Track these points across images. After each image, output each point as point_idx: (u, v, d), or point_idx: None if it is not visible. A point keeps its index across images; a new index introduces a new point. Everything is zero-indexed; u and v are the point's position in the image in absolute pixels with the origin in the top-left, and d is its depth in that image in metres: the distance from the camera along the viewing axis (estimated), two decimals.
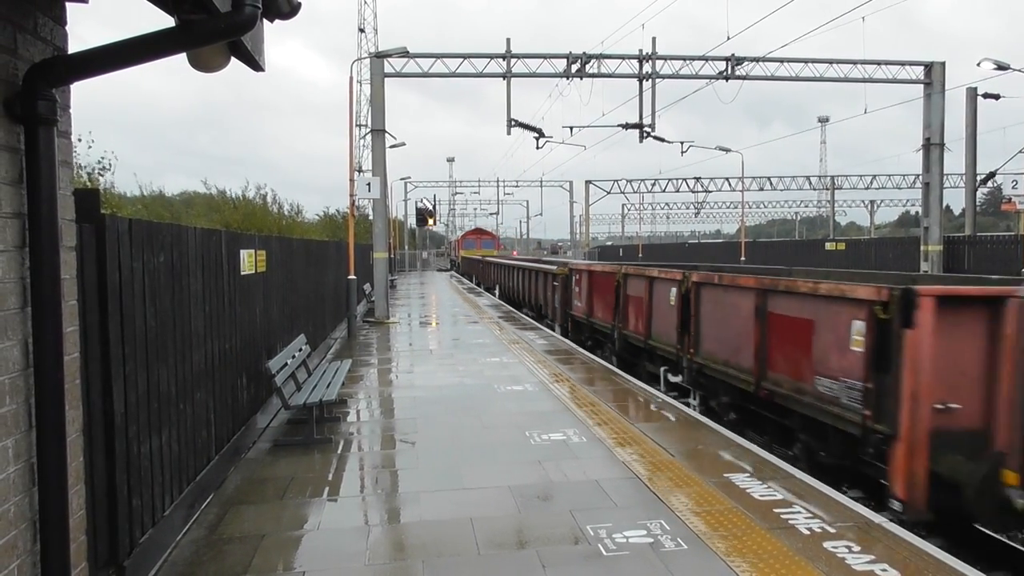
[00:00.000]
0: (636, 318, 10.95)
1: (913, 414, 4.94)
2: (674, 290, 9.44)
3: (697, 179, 59.21)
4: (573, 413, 8.02)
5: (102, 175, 14.25)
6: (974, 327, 4.96)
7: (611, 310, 12.22)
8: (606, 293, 12.54)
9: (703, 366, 8.50)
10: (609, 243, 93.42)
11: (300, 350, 8.59)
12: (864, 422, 5.42)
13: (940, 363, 4.93)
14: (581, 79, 21.85)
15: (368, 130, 20.83)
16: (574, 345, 13.98)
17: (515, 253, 56.63)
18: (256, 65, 3.27)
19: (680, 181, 59.36)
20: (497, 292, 26.56)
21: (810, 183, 63.02)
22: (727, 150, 33.54)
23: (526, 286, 21.47)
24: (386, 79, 19.20)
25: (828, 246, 27.72)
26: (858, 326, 5.48)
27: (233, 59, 3.16)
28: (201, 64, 3.02)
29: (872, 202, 73.05)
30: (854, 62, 22.53)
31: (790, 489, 5.45)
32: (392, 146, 22.63)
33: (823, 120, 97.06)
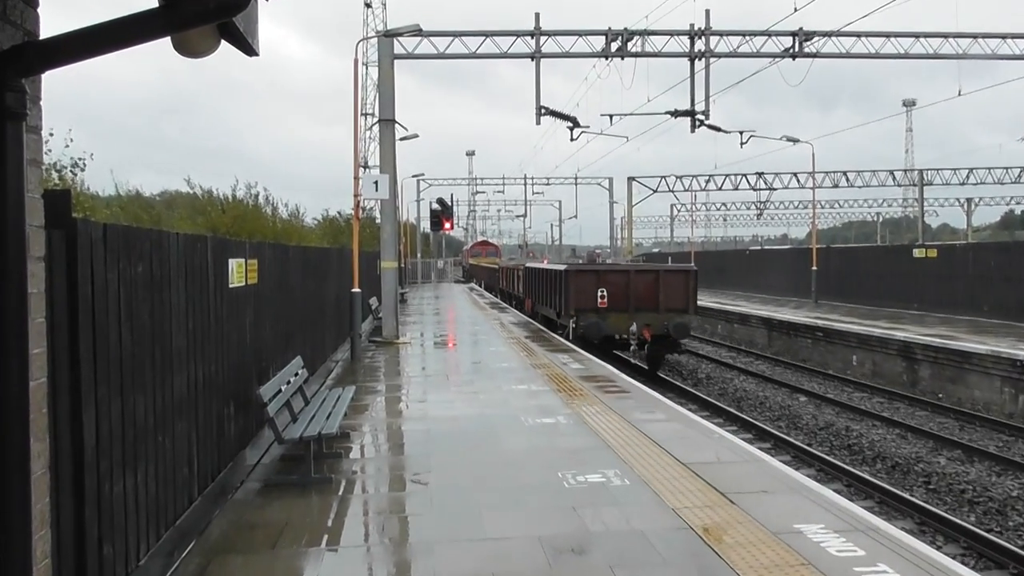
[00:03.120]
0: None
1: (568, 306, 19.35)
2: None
3: (759, 175, 58.84)
4: (614, 451, 7.98)
5: (74, 174, 14.55)
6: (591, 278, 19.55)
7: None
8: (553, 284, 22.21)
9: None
10: (656, 250, 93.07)
11: (296, 374, 8.66)
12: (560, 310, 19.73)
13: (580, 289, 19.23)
14: (622, 59, 21.87)
15: (375, 120, 21.01)
16: (614, 370, 13.92)
17: (545, 261, 57.33)
18: (250, 49, 3.33)
19: (739, 177, 59.05)
20: (508, 297, 29.77)
21: (894, 178, 62.21)
22: (795, 140, 33.28)
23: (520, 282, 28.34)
24: (396, 61, 19.42)
25: (917, 253, 27.31)
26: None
27: (223, 43, 3.22)
28: (187, 48, 3.08)
29: (968, 200, 71.95)
30: (945, 35, 22.28)
31: (880, 553, 5.36)
32: (403, 138, 22.84)
33: (909, 104, 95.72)
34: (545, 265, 27.22)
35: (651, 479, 6.96)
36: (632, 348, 18.89)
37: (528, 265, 29.99)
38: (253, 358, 7.92)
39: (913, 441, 13.00)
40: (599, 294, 19.17)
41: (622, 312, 18.94)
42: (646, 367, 19.42)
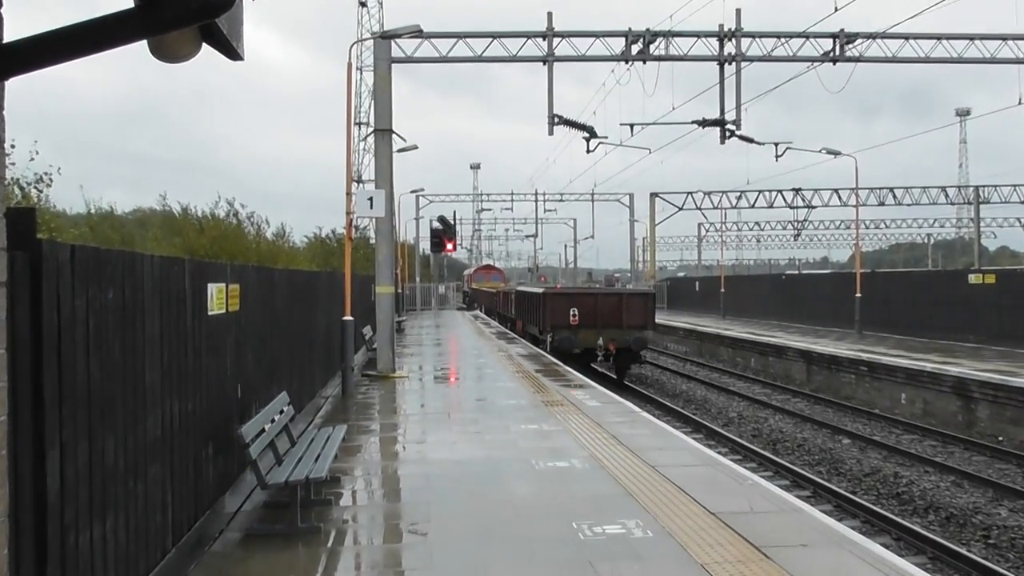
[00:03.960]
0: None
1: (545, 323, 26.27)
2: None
3: (796, 191, 58.99)
4: (635, 498, 7.93)
5: (39, 190, 14.71)
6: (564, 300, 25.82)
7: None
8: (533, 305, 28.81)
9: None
10: (681, 274, 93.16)
11: (282, 412, 8.67)
12: (540, 327, 26.37)
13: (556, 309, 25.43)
14: (644, 63, 22.04)
15: (370, 130, 21.19)
16: (635, 408, 13.89)
17: (559, 287, 58.04)
18: (233, 52, 3.37)
19: (774, 194, 59.19)
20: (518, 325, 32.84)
21: (946, 195, 62.20)
22: (836, 153, 33.34)
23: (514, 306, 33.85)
24: (393, 65, 19.60)
25: (973, 278, 27.19)
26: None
27: (205, 46, 3.26)
28: (166, 52, 3.12)
29: None
30: (1003, 37, 22.39)
31: None
32: (401, 150, 22.99)
33: (963, 113, 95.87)
34: (528, 288, 36.11)
35: (677, 530, 6.91)
36: (599, 358, 24.65)
37: (518, 289, 38.20)
38: (234, 394, 7.92)
39: (970, 490, 12.87)
40: (571, 313, 25.11)
41: (591, 328, 24.72)
42: (615, 376, 25.09)
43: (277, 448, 7.98)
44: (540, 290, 28.96)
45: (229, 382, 7.76)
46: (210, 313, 7.03)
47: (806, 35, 22.01)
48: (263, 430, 7.56)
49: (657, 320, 35.62)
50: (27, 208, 4.58)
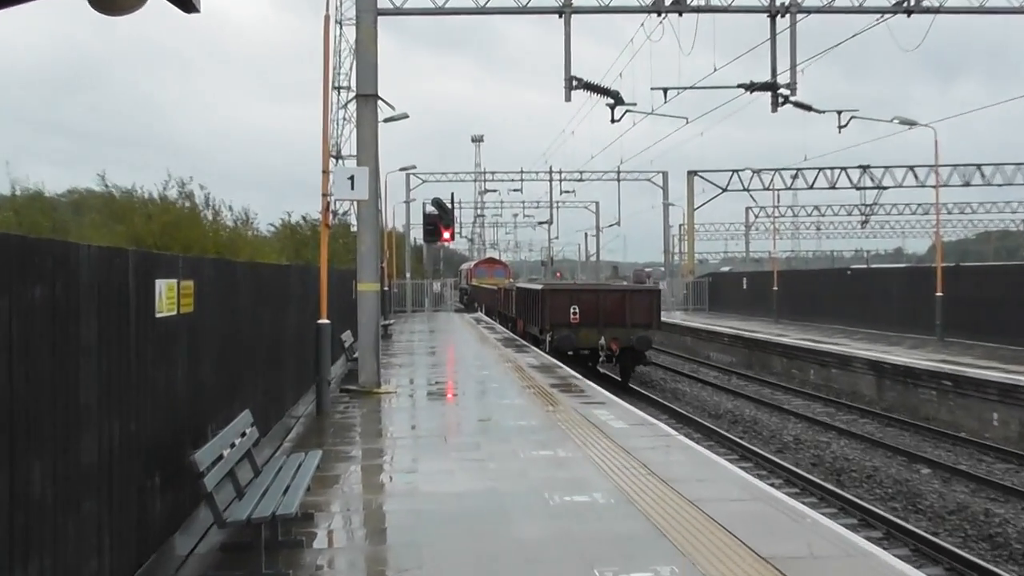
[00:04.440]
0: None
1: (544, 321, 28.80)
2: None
3: (864, 168, 58.92)
4: (670, 540, 7.90)
5: None
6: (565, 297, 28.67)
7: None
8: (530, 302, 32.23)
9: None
10: (726, 268, 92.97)
11: (244, 434, 8.65)
12: (540, 326, 29.23)
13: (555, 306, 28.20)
14: (680, 16, 21.98)
15: (351, 96, 21.21)
16: (670, 430, 13.86)
17: (577, 281, 57.98)
18: (188, 3, 3.36)
19: (837, 172, 59.15)
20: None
21: None
22: (911, 123, 33.22)
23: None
24: (380, 18, 19.58)
25: None
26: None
27: None
28: (108, 3, 3.10)
29: None
30: None
31: None
32: (388, 119, 23.00)
33: None
34: (527, 285, 39.57)
35: None
36: (601, 359, 26.94)
37: (518, 285, 41.71)
38: (187, 412, 7.91)
39: None
40: (572, 311, 27.41)
41: (593, 327, 27.07)
42: (619, 379, 27.63)
43: (238, 478, 7.97)
44: (538, 286, 32.41)
45: (181, 398, 7.76)
46: (159, 315, 7.03)
47: None
48: (221, 456, 7.54)
49: (697, 324, 35.83)
50: None
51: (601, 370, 27.73)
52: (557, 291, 29.70)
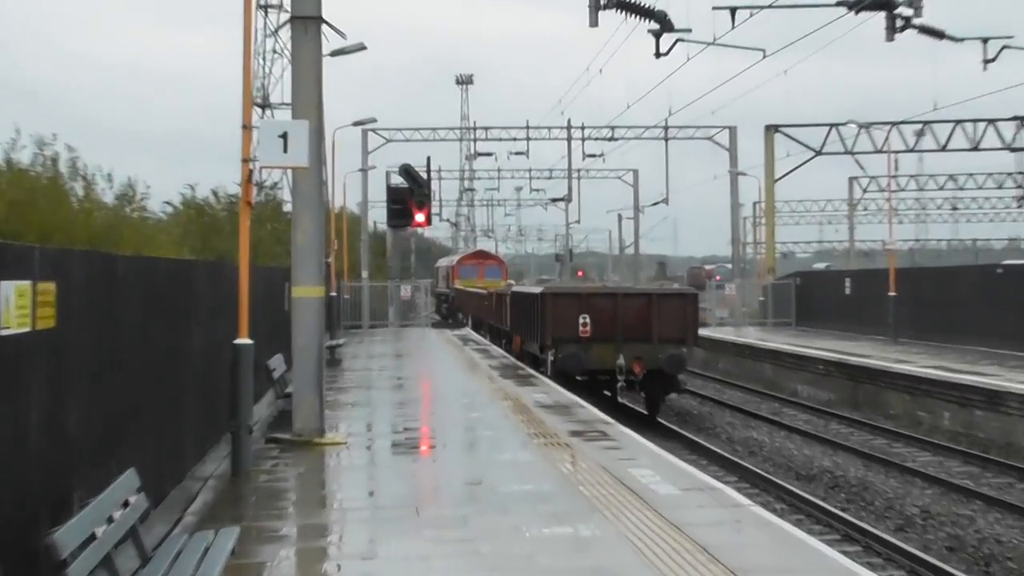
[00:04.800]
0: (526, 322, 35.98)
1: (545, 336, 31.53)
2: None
3: (1021, 121, 58.81)
4: None
5: None
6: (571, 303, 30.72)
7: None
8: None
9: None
10: (821, 265, 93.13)
11: (127, 504, 8.67)
12: (540, 341, 31.92)
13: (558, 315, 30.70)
14: None
15: (285, 19, 21.16)
16: (740, 498, 13.82)
17: (602, 284, 58.08)
18: None
19: (982, 127, 59.08)
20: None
21: None
22: None
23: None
24: None
25: None
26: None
27: None
28: None
29: None
30: None
31: None
32: (337, 52, 22.94)
33: None
34: (524, 289, 41.89)
35: None
36: (620, 385, 27.97)
37: (514, 290, 42.85)
38: (42, 471, 7.87)
39: None
40: (581, 321, 28.74)
41: (608, 343, 28.27)
42: (645, 412, 29.04)
43: (117, 569, 7.94)
44: (537, 290, 34.58)
45: (34, 452, 7.71)
46: (3, 332, 6.97)
47: None
48: (94, 536, 7.53)
49: (779, 344, 36.09)
50: None
51: (620, 400, 29.14)
52: (561, 296, 31.19)
